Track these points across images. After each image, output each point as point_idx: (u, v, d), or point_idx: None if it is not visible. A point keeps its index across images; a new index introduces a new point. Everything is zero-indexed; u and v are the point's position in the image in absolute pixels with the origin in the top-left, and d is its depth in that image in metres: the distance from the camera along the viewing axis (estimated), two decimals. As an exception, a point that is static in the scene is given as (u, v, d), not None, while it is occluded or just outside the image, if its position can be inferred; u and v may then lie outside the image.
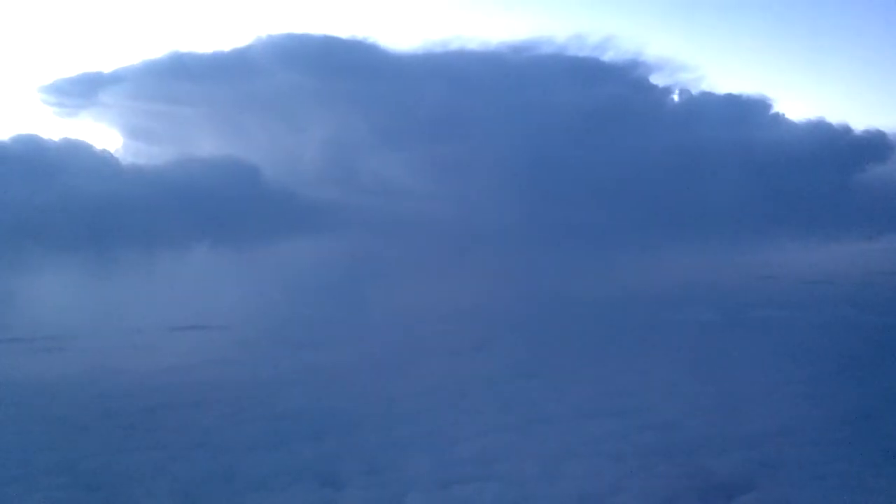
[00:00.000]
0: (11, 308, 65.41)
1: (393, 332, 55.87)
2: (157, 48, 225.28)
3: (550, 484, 23.66)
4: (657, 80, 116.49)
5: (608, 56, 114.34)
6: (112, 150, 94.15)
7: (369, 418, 31.57)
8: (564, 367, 41.56)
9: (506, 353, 46.48)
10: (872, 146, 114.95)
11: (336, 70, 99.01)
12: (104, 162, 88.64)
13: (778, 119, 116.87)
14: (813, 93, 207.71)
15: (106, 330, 57.82)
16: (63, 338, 55.16)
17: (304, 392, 37.11)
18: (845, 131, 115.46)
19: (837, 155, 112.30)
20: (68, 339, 54.72)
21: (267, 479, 24.81)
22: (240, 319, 63.29)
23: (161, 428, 31.28)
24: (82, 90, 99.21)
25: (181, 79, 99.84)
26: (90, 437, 30.23)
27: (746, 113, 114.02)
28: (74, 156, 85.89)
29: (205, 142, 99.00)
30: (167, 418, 32.81)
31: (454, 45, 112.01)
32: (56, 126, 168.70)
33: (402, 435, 29.24)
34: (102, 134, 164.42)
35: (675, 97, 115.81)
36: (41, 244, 76.38)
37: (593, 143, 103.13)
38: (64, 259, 77.09)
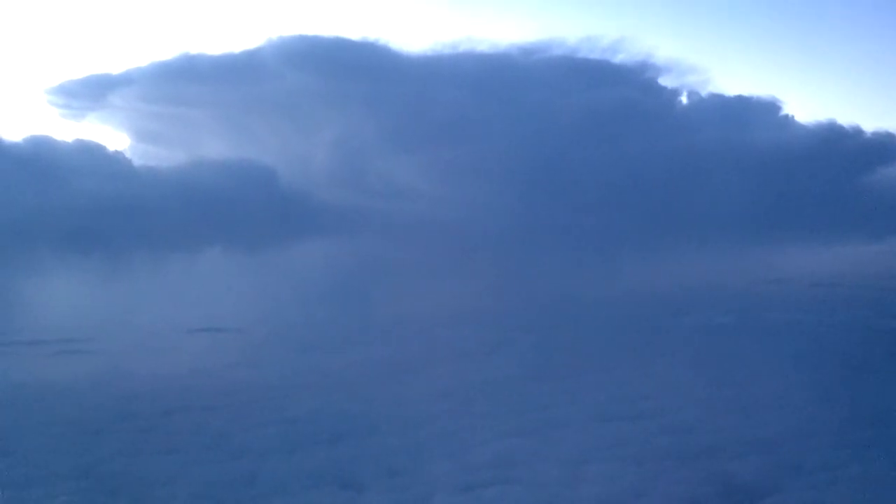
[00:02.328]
0: (27, 310, 65.69)
1: (405, 335, 56.04)
2: (166, 49, 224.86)
3: (572, 488, 23.65)
4: (667, 81, 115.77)
5: (619, 58, 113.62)
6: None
7: (385, 421, 31.59)
8: (578, 370, 41.47)
9: (518, 357, 46.49)
10: (882, 148, 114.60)
11: (347, 72, 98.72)
12: (118, 164, 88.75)
13: (787, 121, 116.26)
14: (823, 95, 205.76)
15: (122, 332, 58.06)
16: (79, 340, 55.38)
17: (318, 395, 37.20)
18: (856, 133, 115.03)
19: (847, 157, 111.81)
20: (85, 342, 54.89)
21: (287, 482, 24.87)
22: (254, 322, 63.65)
23: (179, 431, 31.44)
24: (90, 92, 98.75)
25: (191, 80, 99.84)
26: (108, 440, 30.34)
27: (756, 115, 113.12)
28: (88, 157, 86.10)
29: (214, 144, 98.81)
30: (184, 421, 32.97)
31: (464, 47, 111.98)
32: (63, 128, 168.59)
33: (418, 438, 29.25)
34: (109, 136, 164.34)
35: (685, 99, 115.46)
36: (55, 246, 76.76)
37: (603, 145, 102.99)
38: (80, 261, 77.40)
